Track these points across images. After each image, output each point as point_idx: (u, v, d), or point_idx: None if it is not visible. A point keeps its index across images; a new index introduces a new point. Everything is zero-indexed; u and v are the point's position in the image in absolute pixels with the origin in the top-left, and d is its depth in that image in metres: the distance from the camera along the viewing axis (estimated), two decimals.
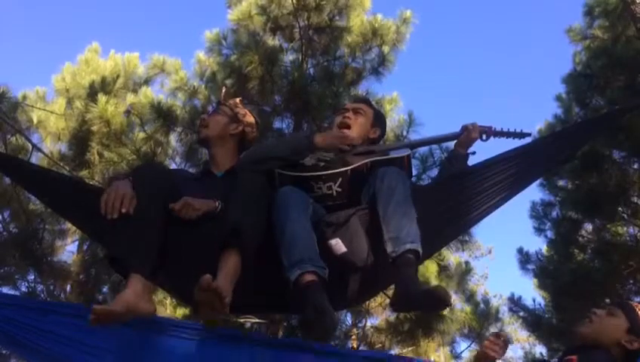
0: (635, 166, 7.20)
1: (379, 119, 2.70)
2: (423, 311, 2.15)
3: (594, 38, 7.79)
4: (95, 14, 31.68)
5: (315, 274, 1.97)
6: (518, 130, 2.62)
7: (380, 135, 2.67)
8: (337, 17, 6.98)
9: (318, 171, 2.32)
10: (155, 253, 2.00)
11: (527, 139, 2.64)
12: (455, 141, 2.68)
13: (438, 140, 3.05)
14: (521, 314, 8.66)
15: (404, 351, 7.31)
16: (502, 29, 36.01)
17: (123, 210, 2.02)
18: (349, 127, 2.55)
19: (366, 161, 2.32)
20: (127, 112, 6.85)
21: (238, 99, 2.70)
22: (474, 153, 2.62)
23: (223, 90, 2.82)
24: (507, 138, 2.64)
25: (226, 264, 1.95)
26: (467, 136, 2.61)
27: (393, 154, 2.41)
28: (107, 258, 2.16)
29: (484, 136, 2.64)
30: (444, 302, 1.95)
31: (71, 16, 32.98)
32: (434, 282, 6.63)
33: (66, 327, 2.19)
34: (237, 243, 1.97)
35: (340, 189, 2.29)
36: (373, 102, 2.89)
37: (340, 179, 2.29)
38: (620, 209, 7.18)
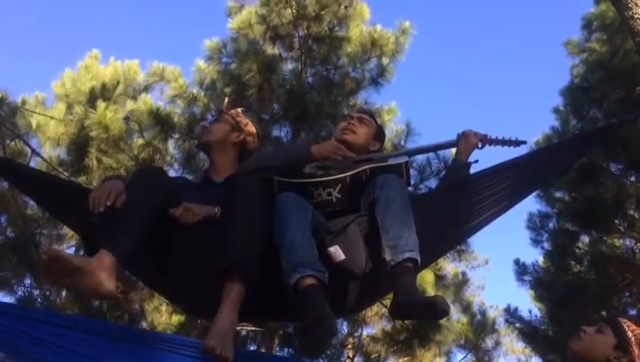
0: (632, 178, 7.23)
1: (380, 134, 2.73)
2: (421, 319, 2.14)
3: (591, 51, 7.84)
4: (96, 21, 31.77)
5: (315, 278, 1.97)
6: (513, 138, 2.63)
7: (379, 149, 2.69)
8: (337, 27, 7.02)
9: (317, 178, 2.34)
10: (132, 241, 1.91)
11: (523, 147, 2.65)
12: (454, 150, 2.69)
13: (435, 148, 3.06)
14: (518, 325, 8.65)
15: (400, 361, 7.30)
16: (500, 41, 36.18)
17: (108, 203, 1.97)
18: (352, 132, 2.57)
19: (365, 167, 2.33)
20: (126, 119, 6.88)
21: (239, 109, 2.72)
22: (476, 161, 2.61)
23: (225, 100, 2.82)
24: (503, 146, 2.63)
25: (230, 292, 1.94)
26: (465, 142, 2.61)
27: (391, 161, 2.42)
28: (82, 235, 2.06)
29: (480, 144, 2.65)
30: (443, 311, 1.95)
31: (71, 23, 33.07)
32: (430, 292, 6.64)
33: (64, 339, 2.17)
34: (239, 274, 1.97)
35: (339, 195, 2.30)
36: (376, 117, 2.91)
37: (340, 185, 2.30)
38: (616, 221, 7.20)
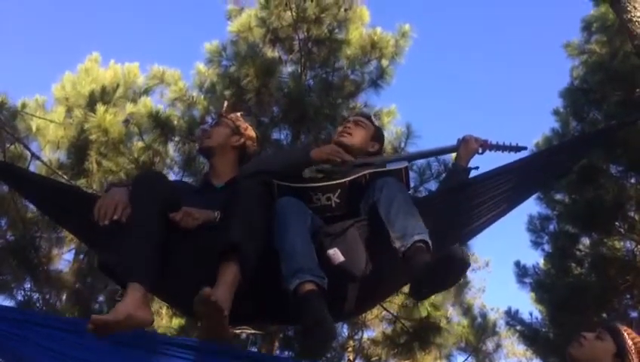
0: (632, 180, 7.23)
1: (378, 135, 2.73)
2: (445, 284, 2.00)
3: (591, 53, 7.86)
4: (96, 24, 31.81)
5: (314, 284, 1.97)
6: (514, 144, 2.64)
7: (378, 150, 2.69)
8: (337, 30, 7.02)
9: (316, 182, 2.34)
10: (157, 264, 1.99)
11: (523, 153, 2.65)
12: (454, 155, 2.69)
13: (436, 153, 3.06)
14: (518, 327, 8.63)
15: None
16: (500, 43, 36.20)
17: (115, 218, 2.02)
18: (349, 135, 2.58)
19: (364, 172, 2.34)
20: (126, 122, 6.88)
21: (239, 113, 2.73)
22: (477, 168, 2.61)
23: (225, 104, 2.83)
24: (503, 152, 2.64)
25: (225, 274, 1.94)
26: (466, 147, 2.62)
27: (391, 166, 2.42)
28: (101, 264, 2.13)
29: (480, 150, 2.65)
30: (463, 260, 1.92)
31: (72, 25, 33.10)
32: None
33: (64, 343, 2.15)
34: (236, 256, 1.96)
35: (338, 200, 2.30)
36: (374, 118, 2.91)
37: (339, 190, 2.30)
38: (616, 223, 7.19)
